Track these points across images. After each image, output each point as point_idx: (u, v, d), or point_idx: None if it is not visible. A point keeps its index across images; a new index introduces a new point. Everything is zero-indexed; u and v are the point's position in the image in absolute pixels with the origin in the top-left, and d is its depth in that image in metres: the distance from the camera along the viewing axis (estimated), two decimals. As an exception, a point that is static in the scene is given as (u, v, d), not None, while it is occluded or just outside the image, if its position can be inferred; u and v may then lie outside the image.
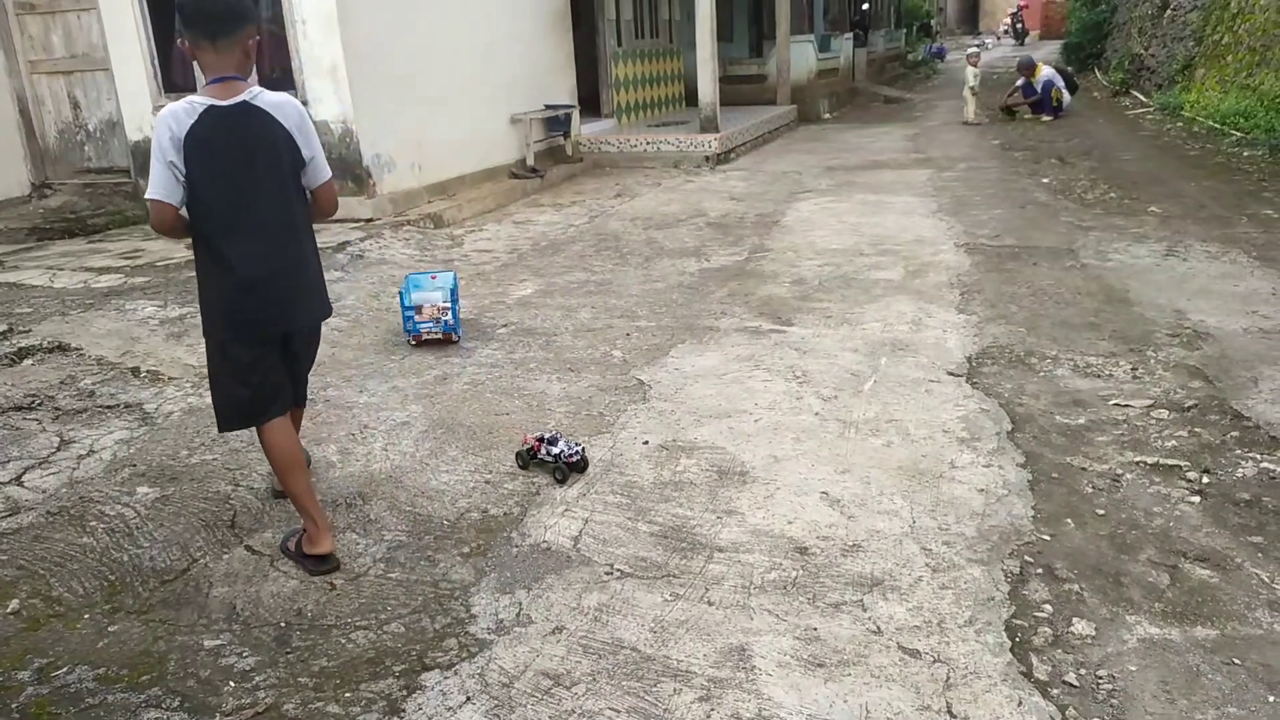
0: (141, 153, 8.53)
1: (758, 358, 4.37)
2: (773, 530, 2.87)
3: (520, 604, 2.55)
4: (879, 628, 2.38)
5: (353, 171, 7.63)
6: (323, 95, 7.37)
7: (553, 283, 5.95)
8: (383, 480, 3.31)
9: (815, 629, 2.39)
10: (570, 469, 3.29)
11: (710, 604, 2.51)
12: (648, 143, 11.22)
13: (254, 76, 2.82)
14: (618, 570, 2.69)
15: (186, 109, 2.57)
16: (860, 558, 2.70)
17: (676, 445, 3.49)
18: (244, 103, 2.60)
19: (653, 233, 7.37)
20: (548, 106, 10.42)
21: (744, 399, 3.89)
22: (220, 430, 2.87)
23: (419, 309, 4.72)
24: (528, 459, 3.36)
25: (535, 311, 5.31)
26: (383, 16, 7.70)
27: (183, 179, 2.56)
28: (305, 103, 7.49)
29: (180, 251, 7.07)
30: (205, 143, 2.56)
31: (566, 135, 10.88)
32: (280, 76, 7.59)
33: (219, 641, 2.45)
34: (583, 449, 3.35)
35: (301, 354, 2.96)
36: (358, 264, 6.48)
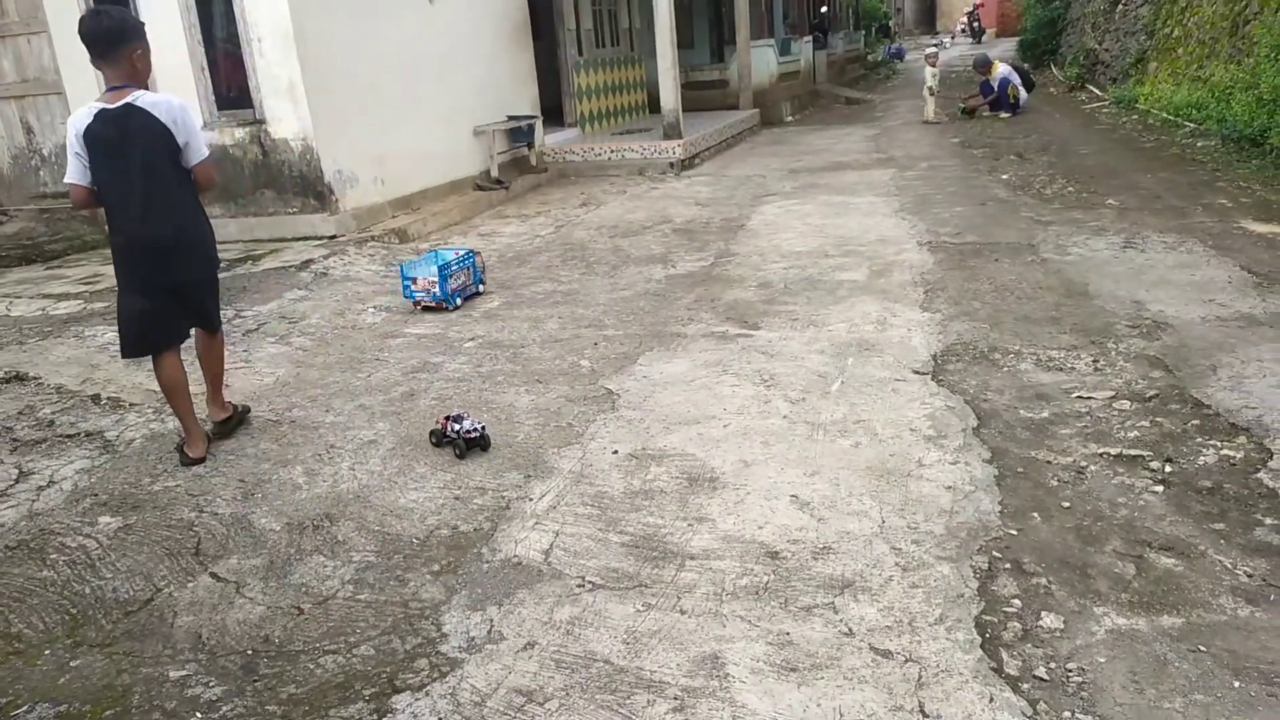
0: (98, 176, 8.40)
1: (725, 363, 4.37)
2: (744, 536, 2.87)
3: (492, 620, 2.53)
4: (851, 629, 2.39)
5: (314, 188, 7.57)
6: (281, 114, 7.31)
7: (519, 294, 5.93)
8: (350, 500, 3.27)
9: (788, 633, 2.39)
10: (469, 445, 3.56)
11: (683, 612, 2.51)
12: (612, 151, 11.24)
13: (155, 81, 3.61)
14: (589, 582, 2.68)
15: (85, 112, 3.42)
16: (831, 560, 2.70)
17: (646, 453, 3.49)
18: (127, 105, 3.41)
19: (619, 241, 7.37)
20: (510, 118, 10.40)
21: (712, 404, 3.89)
22: (122, 356, 3.77)
23: (414, 280, 5.64)
24: (440, 437, 3.63)
25: (502, 324, 5.29)
26: (340, 32, 7.66)
27: (87, 165, 3.43)
28: (263, 120, 7.44)
29: (140, 275, 6.98)
30: (98, 137, 3.40)
31: (530, 146, 10.86)
32: (237, 95, 7.53)
33: (185, 672, 2.41)
34: (483, 427, 3.62)
35: (192, 300, 3.72)
36: (322, 282, 6.42)
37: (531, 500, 3.19)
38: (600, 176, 10.95)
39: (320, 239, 7.56)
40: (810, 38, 20.05)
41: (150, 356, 3.68)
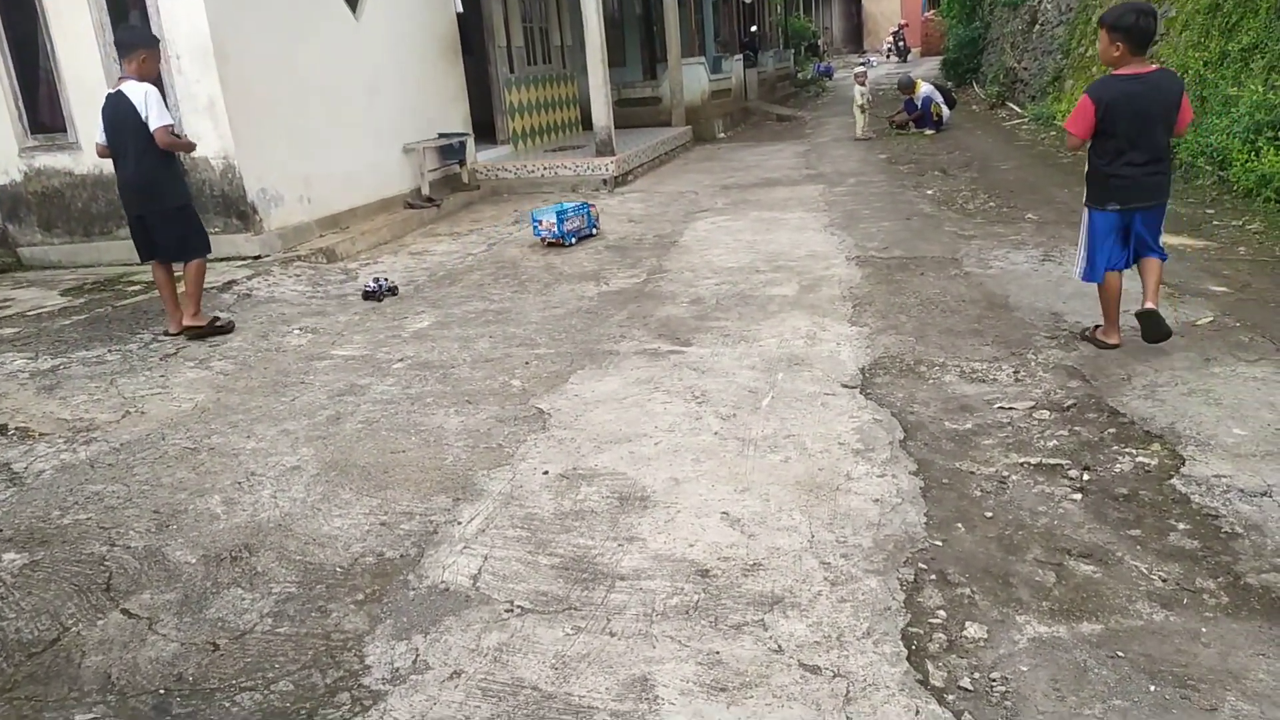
0: (9, 197, 8.11)
1: (657, 380, 4.37)
2: (674, 554, 2.85)
3: (417, 650, 2.47)
4: (780, 646, 2.38)
5: (237, 208, 7.40)
6: (201, 131, 7.11)
7: (450, 313, 5.86)
8: (271, 529, 3.17)
9: (717, 652, 2.37)
10: (388, 293, 6.33)
11: (612, 635, 2.48)
12: (545, 168, 11.21)
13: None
14: (518, 607, 2.64)
15: (106, 95, 5.29)
16: (761, 576, 2.70)
17: (577, 473, 3.46)
18: (119, 90, 5.20)
19: (551, 258, 7.34)
20: (441, 135, 10.32)
21: (644, 422, 3.88)
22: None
23: (541, 221, 7.66)
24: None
25: (432, 344, 5.21)
26: (262, 49, 7.51)
27: (102, 130, 5.30)
28: (183, 139, 7.25)
29: (53, 300, 6.76)
30: (104, 111, 5.27)
31: (462, 163, 10.79)
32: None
33: (92, 715, 2.30)
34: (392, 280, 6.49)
35: (153, 229, 5.44)
36: (245, 303, 6.26)
37: (460, 524, 3.13)
38: (534, 194, 10.91)
39: (244, 259, 7.38)
40: (741, 56, 20.32)
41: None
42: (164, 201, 5.37)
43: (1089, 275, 4.33)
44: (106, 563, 3.03)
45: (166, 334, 5.58)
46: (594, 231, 8.02)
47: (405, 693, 2.30)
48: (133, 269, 7.56)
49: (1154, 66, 4.12)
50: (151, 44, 5.40)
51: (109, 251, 7.88)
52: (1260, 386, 3.76)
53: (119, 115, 5.17)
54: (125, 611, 2.74)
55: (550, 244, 7.63)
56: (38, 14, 7.39)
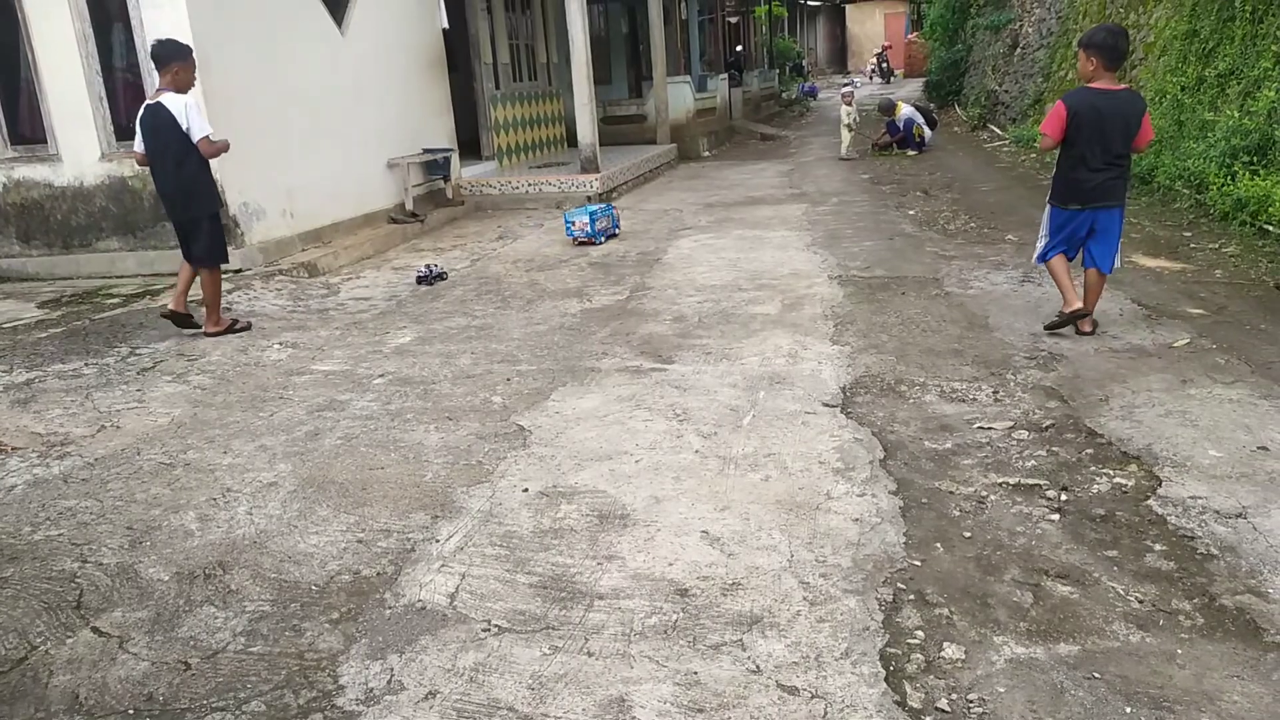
0: (-13, 207, 8.05)
1: (639, 397, 4.36)
2: (653, 573, 2.84)
3: (392, 670, 2.44)
4: (758, 666, 2.37)
5: (219, 221, 7.35)
6: (184, 144, 7.09)
7: (432, 329, 5.84)
8: (246, 546, 3.14)
9: (696, 673, 2.36)
10: (438, 278, 7.06)
11: (590, 654, 2.46)
12: (529, 184, 11.23)
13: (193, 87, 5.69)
14: (495, 626, 2.61)
15: (143, 105, 5.58)
16: (740, 596, 2.69)
17: (557, 491, 3.44)
18: (158, 102, 5.46)
19: (535, 274, 7.34)
20: (426, 150, 10.32)
21: (625, 440, 3.87)
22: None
23: (574, 222, 8.43)
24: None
25: (413, 360, 5.19)
26: (247, 63, 7.50)
27: (141, 139, 5.57)
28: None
29: (30, 312, 6.70)
30: (142, 120, 5.54)
31: (446, 178, 10.78)
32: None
33: (58, 736, 2.26)
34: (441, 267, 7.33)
35: (186, 234, 5.73)
36: (225, 317, 6.20)
37: (438, 541, 3.11)
38: (517, 209, 10.93)
39: (225, 273, 7.32)
40: (726, 75, 20.45)
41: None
42: (200, 209, 5.65)
43: (1040, 258, 5.01)
44: (77, 580, 2.98)
45: (167, 310, 5.90)
46: (617, 231, 8.81)
47: (379, 713, 2.27)
48: (111, 282, 7.51)
49: (1124, 86, 4.66)
50: (185, 56, 5.53)
51: (88, 264, 7.82)
52: (1236, 408, 3.79)
53: (159, 125, 5.42)
54: (95, 630, 2.70)
55: (581, 243, 8.40)
56: (19, 25, 7.36)
